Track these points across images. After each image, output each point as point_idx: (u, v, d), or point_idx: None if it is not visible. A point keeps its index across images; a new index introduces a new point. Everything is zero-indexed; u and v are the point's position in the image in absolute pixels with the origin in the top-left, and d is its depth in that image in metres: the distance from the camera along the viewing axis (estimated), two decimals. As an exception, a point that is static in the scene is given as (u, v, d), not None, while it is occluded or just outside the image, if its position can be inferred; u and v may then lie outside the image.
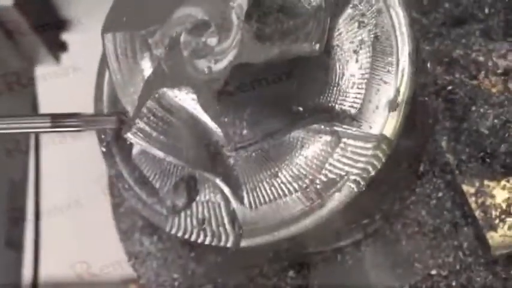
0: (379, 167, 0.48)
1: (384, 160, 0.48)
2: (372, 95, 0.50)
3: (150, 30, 0.50)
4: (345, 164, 0.49)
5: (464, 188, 0.60)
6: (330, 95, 0.50)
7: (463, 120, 0.60)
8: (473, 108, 0.59)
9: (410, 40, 0.50)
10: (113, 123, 0.53)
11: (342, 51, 0.51)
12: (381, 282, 0.60)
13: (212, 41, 0.48)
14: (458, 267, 0.60)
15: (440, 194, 0.62)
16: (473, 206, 0.59)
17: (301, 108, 0.49)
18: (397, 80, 0.50)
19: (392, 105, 0.49)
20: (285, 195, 0.49)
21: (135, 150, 0.54)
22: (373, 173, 0.48)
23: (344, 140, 0.49)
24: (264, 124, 0.48)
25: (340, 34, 0.52)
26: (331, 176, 0.49)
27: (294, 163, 0.50)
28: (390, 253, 0.61)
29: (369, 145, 0.48)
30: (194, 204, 0.51)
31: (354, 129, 0.49)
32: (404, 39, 0.50)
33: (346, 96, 0.50)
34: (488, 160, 0.59)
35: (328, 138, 0.49)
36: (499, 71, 0.63)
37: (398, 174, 0.60)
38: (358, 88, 0.50)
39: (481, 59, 0.63)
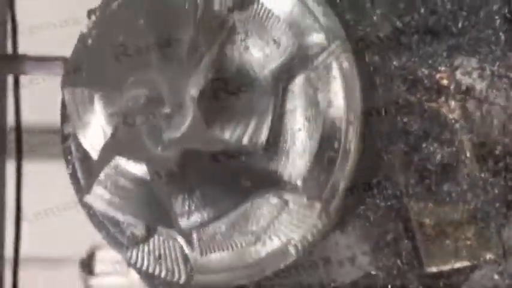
0: (317, 236, 0.52)
1: (323, 229, 0.52)
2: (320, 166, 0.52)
3: (106, 94, 0.51)
4: (288, 228, 0.53)
5: (410, 205, 0.65)
6: (278, 164, 0.52)
7: (415, 150, 0.62)
8: (425, 143, 0.61)
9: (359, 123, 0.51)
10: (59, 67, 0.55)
11: (294, 118, 0.52)
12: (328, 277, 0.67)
13: (167, 120, 0.49)
14: (395, 272, 0.67)
15: (388, 204, 0.67)
16: (414, 223, 0.64)
17: (249, 183, 0.52)
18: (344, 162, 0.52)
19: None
20: (235, 247, 0.55)
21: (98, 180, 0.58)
22: (311, 240, 0.52)
23: (290, 205, 0.53)
24: (214, 205, 0.51)
25: (294, 97, 0.52)
26: (274, 237, 0.53)
27: (244, 220, 0.54)
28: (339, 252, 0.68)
29: (313, 214, 0.52)
30: (152, 240, 0.57)
31: (300, 197, 0.52)
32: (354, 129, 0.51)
33: (294, 166, 0.52)
34: (433, 189, 0.62)
35: (275, 200, 0.53)
36: (461, 89, 0.63)
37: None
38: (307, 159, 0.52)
39: (445, 81, 0.63)
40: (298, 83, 0.52)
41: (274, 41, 0.51)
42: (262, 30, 0.51)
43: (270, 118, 0.49)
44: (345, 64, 0.51)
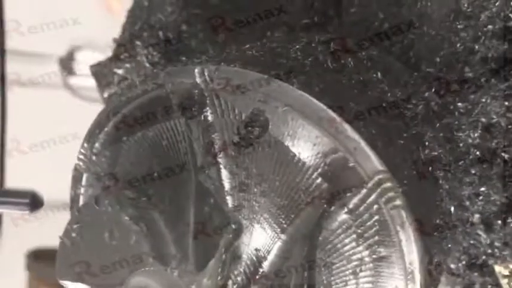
0: None
1: None
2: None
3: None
4: None
5: (497, 268, 0.57)
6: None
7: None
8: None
9: (420, 260, 0.41)
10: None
11: (339, 271, 0.42)
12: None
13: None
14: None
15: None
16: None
17: None
18: (405, 304, 0.42)
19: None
20: None
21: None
22: None
23: None
24: None
25: (334, 248, 0.42)
26: None
27: None
28: None
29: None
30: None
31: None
32: (414, 260, 0.41)
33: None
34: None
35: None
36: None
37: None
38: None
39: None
40: (337, 225, 0.41)
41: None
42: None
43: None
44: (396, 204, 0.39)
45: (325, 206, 0.40)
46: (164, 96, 0.46)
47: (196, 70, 0.44)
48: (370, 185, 0.40)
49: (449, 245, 0.52)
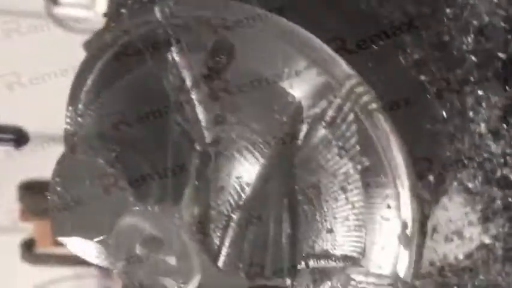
0: None
1: None
2: (374, 236, 0.41)
3: (101, 240, 0.42)
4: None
5: None
6: (325, 243, 0.42)
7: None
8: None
9: (406, 165, 0.39)
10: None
11: (327, 189, 0.41)
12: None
13: (171, 259, 0.40)
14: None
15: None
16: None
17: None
18: (400, 213, 0.40)
19: (404, 241, 0.41)
20: None
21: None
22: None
23: (354, 277, 0.43)
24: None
25: (318, 165, 0.40)
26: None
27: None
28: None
29: (383, 282, 0.43)
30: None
31: (363, 269, 0.43)
32: (399, 164, 0.39)
33: (344, 242, 0.42)
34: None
35: (336, 278, 0.44)
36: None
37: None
38: (356, 231, 0.41)
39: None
40: (317, 142, 0.39)
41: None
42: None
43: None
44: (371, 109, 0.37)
45: (301, 123, 0.39)
46: (132, 43, 0.45)
47: (156, 8, 0.43)
48: (343, 92, 0.38)
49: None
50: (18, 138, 0.49)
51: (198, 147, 0.40)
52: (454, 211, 0.62)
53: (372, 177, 0.39)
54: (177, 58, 0.43)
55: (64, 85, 0.50)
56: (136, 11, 0.45)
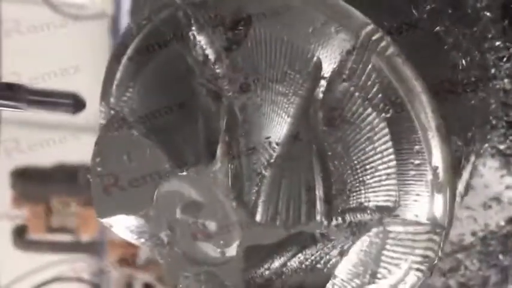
0: (439, 251, 0.43)
1: (441, 244, 0.43)
2: (406, 184, 0.42)
3: (143, 214, 0.43)
4: (402, 253, 0.44)
5: None
6: (359, 196, 0.43)
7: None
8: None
9: (430, 103, 0.39)
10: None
11: (354, 141, 0.41)
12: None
13: (211, 224, 0.41)
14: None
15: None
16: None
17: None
18: (430, 157, 0.41)
19: (436, 188, 0.42)
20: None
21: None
22: (435, 258, 0.44)
23: (391, 229, 0.44)
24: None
25: (343, 119, 0.41)
26: (391, 268, 0.45)
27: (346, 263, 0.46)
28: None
29: (421, 229, 0.43)
30: None
31: (399, 219, 0.43)
32: (424, 106, 0.39)
33: (377, 193, 0.43)
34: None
35: (374, 231, 0.44)
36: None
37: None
38: (388, 180, 0.42)
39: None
40: (341, 93, 0.40)
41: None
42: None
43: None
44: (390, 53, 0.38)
45: (321, 79, 0.40)
46: (155, 29, 0.47)
47: (173, -9, 0.45)
48: (359, 42, 0.39)
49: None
50: (76, 103, 0.50)
51: (225, 113, 0.41)
52: (489, 176, 0.61)
53: (398, 124, 0.40)
54: (198, 36, 0.45)
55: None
56: (156, -1, 0.47)
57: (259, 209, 0.40)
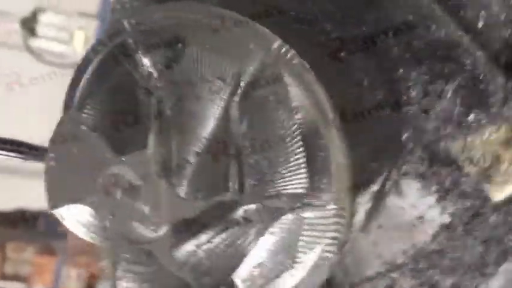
0: (345, 231, 0.50)
1: (348, 222, 0.50)
2: (314, 174, 0.50)
3: (91, 201, 0.50)
4: (316, 237, 0.51)
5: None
6: (275, 185, 0.50)
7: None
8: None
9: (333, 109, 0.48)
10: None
11: (269, 139, 0.49)
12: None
13: (146, 205, 0.48)
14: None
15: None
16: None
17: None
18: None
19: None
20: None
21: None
22: (343, 239, 0.51)
23: (306, 215, 0.50)
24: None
25: (259, 119, 0.49)
26: (307, 251, 0.52)
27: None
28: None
29: (329, 214, 0.50)
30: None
31: (311, 206, 0.50)
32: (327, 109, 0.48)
33: (291, 181, 0.50)
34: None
35: (290, 217, 0.51)
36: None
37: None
38: (299, 171, 0.50)
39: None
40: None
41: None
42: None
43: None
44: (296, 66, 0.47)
45: (239, 85, 0.49)
46: (110, 52, 0.56)
47: (124, 21, 0.54)
48: (271, 54, 0.48)
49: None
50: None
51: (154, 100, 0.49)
52: (413, 197, 0.69)
53: (305, 123, 0.48)
54: (143, 58, 0.53)
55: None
56: (111, 25, 0.56)
57: (185, 188, 0.47)
